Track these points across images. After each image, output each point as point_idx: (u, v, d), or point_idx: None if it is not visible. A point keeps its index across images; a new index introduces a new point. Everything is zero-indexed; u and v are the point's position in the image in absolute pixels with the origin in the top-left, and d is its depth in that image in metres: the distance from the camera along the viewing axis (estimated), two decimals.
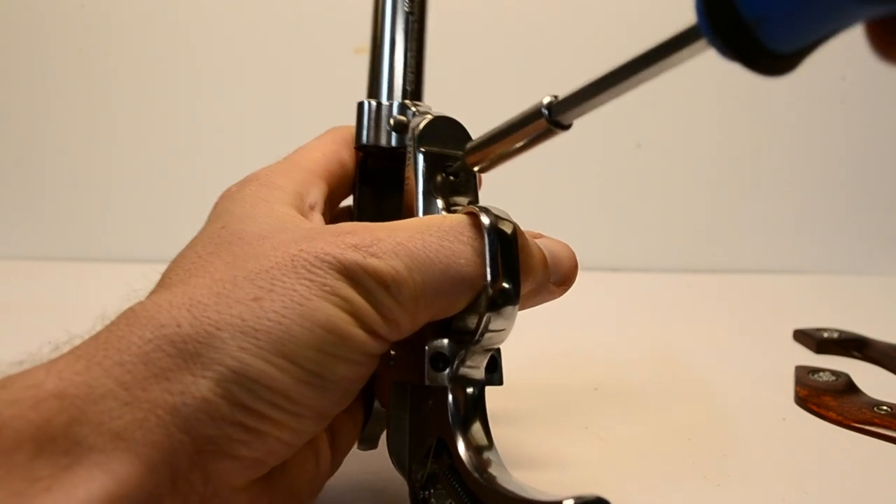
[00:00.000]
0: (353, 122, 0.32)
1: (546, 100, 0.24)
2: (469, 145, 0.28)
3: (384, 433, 0.30)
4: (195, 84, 0.82)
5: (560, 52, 0.82)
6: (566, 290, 0.28)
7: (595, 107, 0.22)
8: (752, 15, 0.16)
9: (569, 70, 0.78)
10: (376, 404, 0.30)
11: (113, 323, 0.22)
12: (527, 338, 0.35)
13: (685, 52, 0.19)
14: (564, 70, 0.80)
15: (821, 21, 0.15)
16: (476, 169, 0.28)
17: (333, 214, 0.32)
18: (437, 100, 0.33)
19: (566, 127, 0.24)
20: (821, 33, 0.16)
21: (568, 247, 0.28)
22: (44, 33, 0.81)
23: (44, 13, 0.81)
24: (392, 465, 0.27)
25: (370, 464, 0.31)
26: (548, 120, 0.24)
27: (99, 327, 0.22)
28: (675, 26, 0.19)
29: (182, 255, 0.25)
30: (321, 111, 0.80)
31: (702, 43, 0.18)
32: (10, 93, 0.82)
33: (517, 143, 0.26)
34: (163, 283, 0.25)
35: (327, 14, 0.81)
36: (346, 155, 0.32)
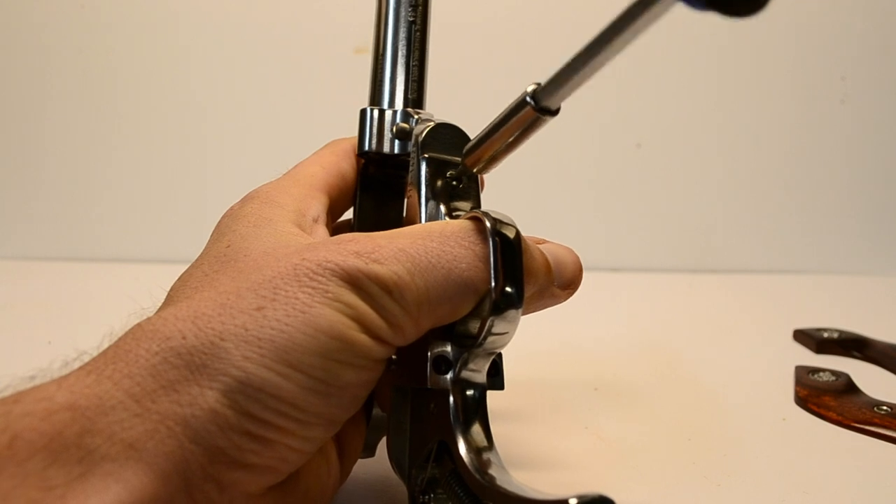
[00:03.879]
0: (352, 120, 0.32)
1: (530, 87, 0.24)
2: (466, 147, 0.28)
3: (382, 440, 0.30)
4: (195, 83, 0.82)
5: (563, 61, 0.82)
6: (571, 295, 0.28)
7: (578, 85, 0.22)
8: None
9: None
10: (376, 411, 0.30)
11: (120, 338, 0.22)
12: (527, 338, 0.35)
13: (654, 10, 0.18)
14: None
15: None
16: (476, 170, 0.28)
17: (333, 227, 0.32)
18: (439, 107, 0.33)
19: (554, 112, 0.24)
20: None
21: (572, 251, 0.28)
22: (44, 33, 0.81)
23: (44, 13, 0.81)
24: (391, 471, 0.27)
25: (369, 470, 0.31)
26: (534, 107, 0.24)
27: (107, 344, 0.22)
28: None
29: (188, 274, 0.25)
30: (321, 110, 0.80)
31: None
32: (10, 93, 0.82)
33: (510, 136, 0.26)
34: (169, 301, 0.25)
35: (327, 14, 0.81)
36: (346, 166, 0.32)
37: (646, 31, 0.19)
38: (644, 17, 0.19)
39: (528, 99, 0.24)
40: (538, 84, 0.24)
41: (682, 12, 0.17)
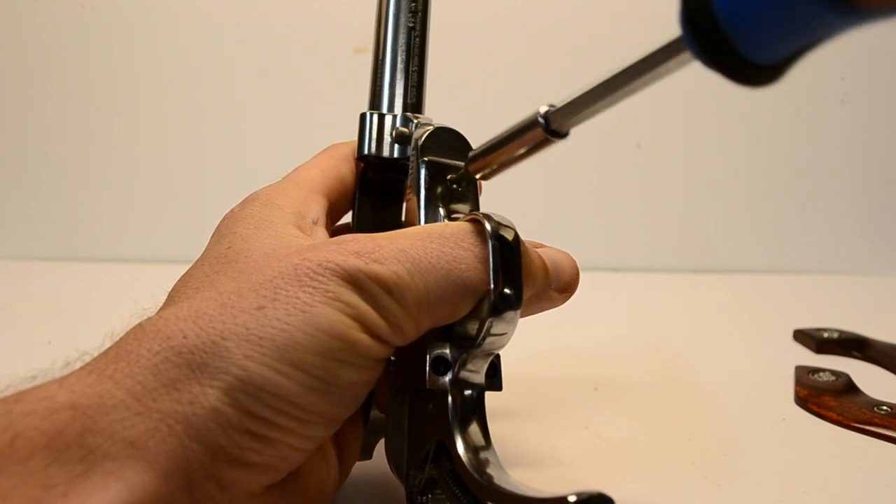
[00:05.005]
0: (352, 120, 0.32)
1: (543, 109, 0.24)
2: (471, 154, 0.28)
3: (379, 443, 0.30)
4: (195, 83, 0.82)
5: (563, 66, 0.82)
6: (567, 298, 0.28)
7: (590, 116, 0.23)
8: (733, 28, 0.16)
9: (570, 82, 0.78)
10: (373, 413, 0.30)
11: (122, 338, 0.22)
12: (527, 338, 0.35)
13: (672, 63, 0.19)
14: (566, 84, 0.80)
15: (800, 33, 0.15)
16: (478, 177, 0.29)
17: (332, 230, 0.32)
18: (438, 112, 0.33)
19: (563, 135, 0.24)
20: (801, 45, 0.16)
21: (569, 256, 0.28)
22: (44, 33, 0.81)
23: (44, 13, 0.81)
24: (389, 472, 0.27)
25: (367, 471, 0.31)
26: (544, 129, 0.24)
27: (108, 344, 0.23)
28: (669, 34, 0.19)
29: (189, 275, 0.26)
30: (321, 111, 0.80)
31: (687, 55, 0.18)
32: (11, 93, 0.82)
33: (517, 151, 0.26)
34: (170, 301, 0.25)
35: (327, 14, 0.81)
36: (346, 170, 0.32)
37: (663, 79, 0.20)
38: (661, 68, 0.19)
39: (539, 119, 0.24)
40: (551, 106, 0.24)
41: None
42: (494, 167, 0.28)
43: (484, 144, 0.28)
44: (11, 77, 0.81)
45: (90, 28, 0.81)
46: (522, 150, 0.26)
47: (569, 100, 0.23)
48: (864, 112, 0.86)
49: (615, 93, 0.21)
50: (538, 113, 0.24)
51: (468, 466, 0.23)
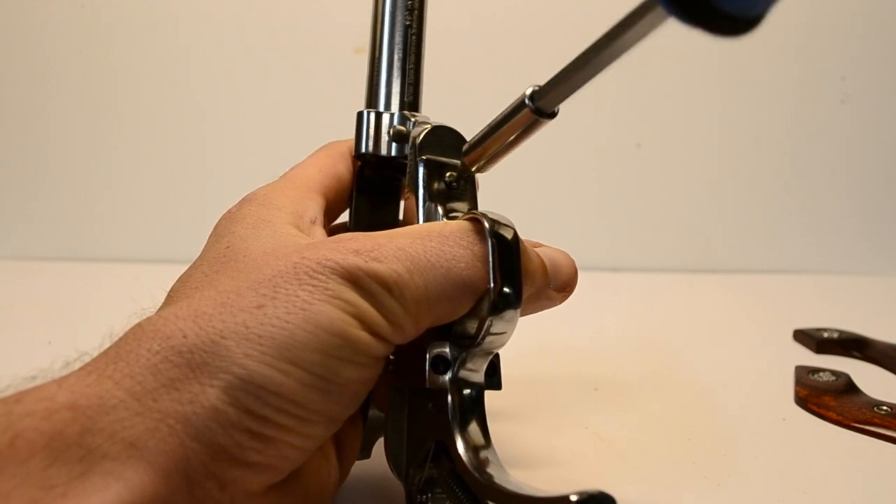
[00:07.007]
0: (352, 120, 0.32)
1: (528, 90, 0.24)
2: (465, 146, 0.28)
3: (378, 442, 0.30)
4: (195, 83, 0.82)
5: (563, 65, 0.82)
6: (566, 298, 0.28)
7: (575, 90, 0.23)
8: None
9: None
10: (372, 411, 0.30)
11: (121, 338, 0.22)
12: (526, 337, 0.35)
13: (646, 22, 0.19)
14: None
15: None
16: (475, 168, 0.28)
17: (329, 229, 0.32)
18: (434, 110, 0.33)
19: (551, 115, 0.24)
20: None
21: (567, 255, 0.28)
22: (44, 33, 0.81)
23: (44, 13, 0.81)
24: (388, 471, 0.27)
25: (366, 470, 0.31)
26: (532, 110, 0.24)
27: (107, 344, 0.23)
28: None
29: (187, 275, 0.26)
30: (321, 110, 0.80)
31: (660, 12, 0.18)
32: (11, 93, 0.82)
33: (509, 137, 0.26)
34: (169, 300, 0.25)
35: (327, 14, 0.81)
36: (342, 168, 0.32)
37: (640, 42, 0.20)
38: (637, 28, 0.19)
39: (526, 101, 0.24)
40: (537, 86, 0.24)
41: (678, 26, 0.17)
42: (489, 157, 0.28)
43: (476, 134, 0.28)
44: (11, 77, 0.81)
45: (90, 28, 0.81)
46: (514, 135, 0.26)
47: (552, 77, 0.23)
48: (864, 112, 0.86)
49: (595, 63, 0.21)
50: (524, 95, 0.24)
51: (468, 465, 0.23)
